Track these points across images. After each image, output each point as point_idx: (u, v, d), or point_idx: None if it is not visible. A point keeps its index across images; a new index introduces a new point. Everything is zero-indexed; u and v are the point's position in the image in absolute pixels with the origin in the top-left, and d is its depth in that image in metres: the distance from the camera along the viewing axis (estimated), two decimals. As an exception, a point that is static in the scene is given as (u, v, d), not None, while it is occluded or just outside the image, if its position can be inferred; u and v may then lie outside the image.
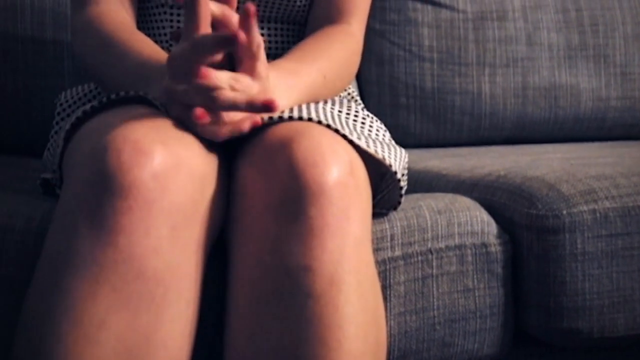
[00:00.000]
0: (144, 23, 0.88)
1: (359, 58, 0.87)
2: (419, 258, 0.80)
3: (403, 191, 0.78)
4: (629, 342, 0.88)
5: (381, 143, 0.75)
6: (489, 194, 0.91)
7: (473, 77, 1.30)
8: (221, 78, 0.64)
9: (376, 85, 1.31)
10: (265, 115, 0.69)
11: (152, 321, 0.61)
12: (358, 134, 0.73)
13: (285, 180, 0.64)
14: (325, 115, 0.71)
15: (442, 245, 0.81)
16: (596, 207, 0.85)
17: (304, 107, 0.73)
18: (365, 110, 0.84)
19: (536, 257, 0.84)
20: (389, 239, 0.79)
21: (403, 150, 0.79)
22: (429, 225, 0.81)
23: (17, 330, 0.62)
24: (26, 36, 1.14)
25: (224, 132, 0.66)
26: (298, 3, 0.86)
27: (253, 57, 0.66)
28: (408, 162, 1.06)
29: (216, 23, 0.68)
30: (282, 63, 0.74)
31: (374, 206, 0.76)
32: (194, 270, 0.64)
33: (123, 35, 0.77)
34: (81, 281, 0.59)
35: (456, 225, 0.82)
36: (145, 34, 0.86)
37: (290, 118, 0.70)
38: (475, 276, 0.82)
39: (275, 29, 0.87)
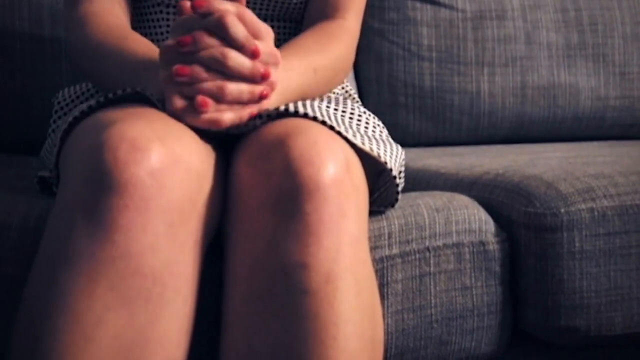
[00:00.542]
0: (140, 22, 0.88)
1: (354, 53, 0.87)
2: (417, 256, 0.80)
3: (400, 188, 0.78)
4: (626, 341, 0.88)
5: (377, 140, 0.75)
6: (487, 192, 0.91)
7: (472, 76, 1.30)
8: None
9: (375, 84, 1.31)
10: (263, 107, 0.69)
11: (149, 319, 0.60)
12: (354, 132, 0.73)
13: (281, 178, 0.64)
14: (321, 113, 0.71)
15: (439, 243, 0.81)
16: (594, 205, 0.85)
17: (299, 103, 0.72)
18: (361, 107, 0.84)
19: (534, 256, 0.84)
20: (386, 237, 0.79)
21: (400, 148, 0.79)
22: (426, 223, 0.81)
23: (14, 328, 0.62)
24: (24, 33, 1.14)
25: (226, 119, 0.66)
26: (295, 0, 0.86)
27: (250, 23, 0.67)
28: (406, 161, 1.06)
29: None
30: None
31: (372, 204, 0.76)
32: (191, 268, 0.64)
33: (117, 34, 0.77)
34: (78, 278, 0.59)
35: (454, 224, 0.82)
36: (142, 33, 0.86)
37: (287, 111, 0.69)
38: (472, 274, 0.82)
39: (272, 27, 0.87)
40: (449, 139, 1.32)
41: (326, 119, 0.70)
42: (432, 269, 0.80)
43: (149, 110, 0.68)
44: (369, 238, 0.76)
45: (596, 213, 0.85)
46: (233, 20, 0.66)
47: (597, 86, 1.34)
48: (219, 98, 0.66)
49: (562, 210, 0.84)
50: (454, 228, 0.82)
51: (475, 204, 0.86)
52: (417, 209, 0.82)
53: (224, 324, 0.66)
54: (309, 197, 0.64)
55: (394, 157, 0.75)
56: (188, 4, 0.67)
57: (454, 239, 0.82)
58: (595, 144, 1.28)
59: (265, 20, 0.87)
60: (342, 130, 0.70)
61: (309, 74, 0.76)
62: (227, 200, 0.69)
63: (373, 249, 0.78)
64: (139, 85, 0.71)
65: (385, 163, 0.73)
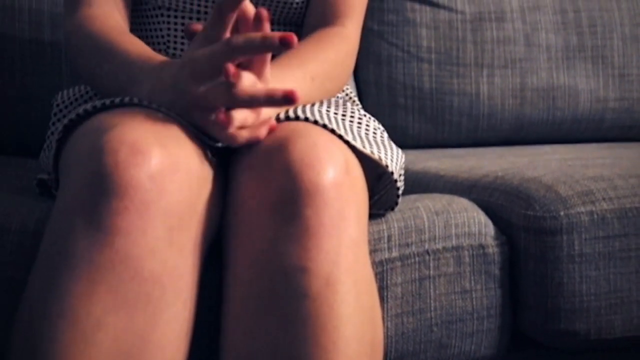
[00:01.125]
0: (140, 25, 0.88)
1: (353, 60, 0.86)
2: (416, 259, 0.80)
3: (400, 192, 0.78)
4: (626, 344, 0.88)
5: (377, 144, 0.75)
6: (487, 195, 0.91)
7: (471, 78, 1.30)
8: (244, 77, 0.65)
9: (374, 86, 1.31)
10: (282, 111, 0.69)
11: (149, 322, 0.60)
12: (354, 135, 0.73)
13: (281, 181, 0.64)
14: (322, 116, 0.71)
15: (439, 246, 0.81)
16: (594, 208, 0.85)
17: (299, 108, 0.72)
18: (361, 110, 0.84)
19: (533, 259, 0.84)
20: (386, 240, 0.79)
21: (400, 151, 0.79)
22: (426, 226, 0.81)
23: (13, 331, 0.62)
24: (23, 37, 1.14)
25: (242, 138, 0.66)
26: (295, 5, 0.86)
27: (264, 61, 0.67)
28: (406, 163, 1.06)
29: (240, 23, 0.67)
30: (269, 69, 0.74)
31: (371, 207, 0.76)
32: (191, 271, 0.64)
33: (113, 37, 0.77)
34: (78, 281, 0.59)
35: (453, 227, 0.82)
36: (141, 37, 0.86)
37: (287, 118, 0.69)
38: (472, 277, 0.82)
39: (273, 30, 0.87)
40: (449, 141, 1.32)
41: (326, 122, 0.70)
42: (431, 272, 0.80)
43: (148, 113, 0.68)
44: (369, 241, 0.76)
45: (596, 216, 0.85)
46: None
47: (596, 88, 1.34)
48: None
49: (562, 213, 0.84)
50: (453, 231, 0.82)
51: (475, 207, 0.86)
52: (417, 212, 0.82)
53: (224, 328, 0.66)
54: (309, 201, 0.64)
55: (394, 160, 0.75)
56: (199, 27, 0.67)
57: (454, 242, 0.82)
58: (594, 145, 1.28)
59: (265, 24, 0.87)
60: (342, 133, 0.70)
61: (306, 83, 0.76)
62: (227, 204, 0.69)
63: (373, 252, 0.78)
64: (131, 88, 0.71)
65: (386, 166, 0.73)
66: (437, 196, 0.87)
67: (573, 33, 1.34)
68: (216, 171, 0.69)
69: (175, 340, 0.62)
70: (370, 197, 0.75)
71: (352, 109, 0.80)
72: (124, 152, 0.61)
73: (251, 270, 0.65)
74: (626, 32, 1.36)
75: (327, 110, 0.76)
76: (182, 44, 0.87)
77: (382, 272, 0.78)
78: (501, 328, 0.84)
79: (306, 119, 0.70)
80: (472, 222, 0.83)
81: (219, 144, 0.68)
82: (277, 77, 0.72)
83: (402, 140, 1.29)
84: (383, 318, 0.76)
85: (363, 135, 0.76)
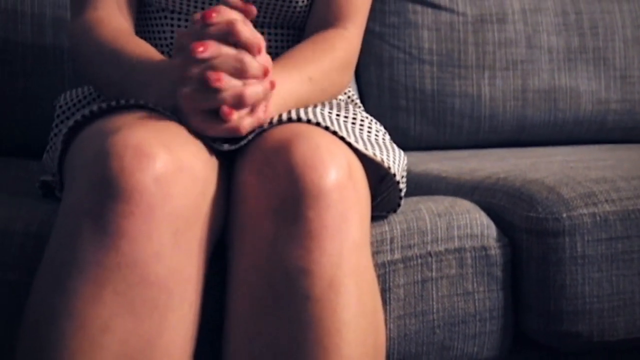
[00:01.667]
0: (144, 27, 0.88)
1: (354, 63, 0.86)
2: (419, 261, 0.80)
3: (402, 193, 0.78)
4: (629, 346, 0.88)
5: (379, 146, 0.75)
6: (489, 196, 0.91)
7: (473, 80, 1.30)
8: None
9: (376, 88, 1.31)
10: (267, 115, 0.69)
11: (155, 326, 0.61)
12: (356, 137, 0.73)
13: (283, 183, 0.64)
14: (324, 118, 0.71)
15: (441, 248, 0.81)
16: (596, 210, 0.85)
17: (301, 109, 0.73)
18: (364, 112, 0.84)
19: (536, 261, 0.84)
20: (388, 242, 0.79)
21: (402, 153, 0.79)
22: (428, 228, 0.81)
23: (19, 335, 0.62)
24: (26, 40, 1.14)
25: (246, 125, 0.66)
26: (298, 8, 0.86)
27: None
28: (408, 165, 1.06)
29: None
30: None
31: (374, 209, 0.76)
32: (196, 274, 0.64)
33: (119, 40, 0.78)
34: (84, 285, 0.59)
35: (456, 228, 0.82)
36: (146, 39, 0.86)
37: (290, 120, 0.70)
38: (474, 279, 0.82)
39: (276, 34, 0.87)
40: (450, 143, 1.32)
41: (328, 124, 0.70)
42: (434, 274, 0.80)
43: (152, 116, 0.68)
44: (371, 243, 0.76)
45: (598, 218, 0.85)
46: (242, 26, 0.66)
47: (597, 89, 1.34)
48: (240, 104, 0.66)
49: (564, 215, 0.84)
50: (455, 233, 0.82)
51: (477, 208, 0.86)
52: (419, 213, 0.82)
53: (227, 329, 0.66)
54: (312, 203, 0.64)
55: (396, 162, 0.75)
56: (199, 15, 0.68)
57: (456, 244, 0.82)
58: (596, 147, 1.28)
59: (269, 27, 0.87)
60: (345, 135, 0.70)
61: (305, 84, 0.76)
62: (231, 206, 0.69)
63: (375, 254, 0.78)
64: (137, 92, 0.71)
65: (389, 168, 0.73)
66: (439, 198, 0.87)
67: (575, 35, 1.34)
68: (220, 172, 0.69)
69: (182, 343, 0.63)
70: (373, 199, 0.75)
71: (354, 111, 0.80)
72: (129, 156, 0.61)
73: (254, 272, 0.65)
74: (628, 34, 1.36)
75: (330, 113, 0.76)
76: (185, 46, 0.87)
77: (384, 274, 0.78)
78: (503, 330, 0.84)
79: (308, 121, 0.70)
80: (475, 224, 0.83)
81: (225, 146, 0.68)
82: (274, 77, 0.73)
83: (403, 141, 1.29)
84: (385, 320, 0.76)
85: (365, 137, 0.76)
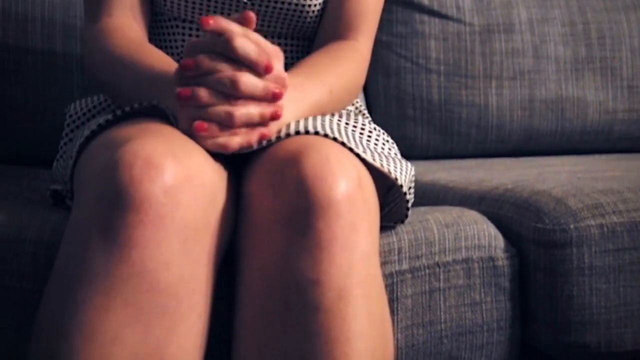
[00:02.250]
0: (157, 36, 0.89)
1: (365, 74, 0.87)
2: (427, 271, 0.80)
3: (410, 204, 0.79)
4: (636, 357, 0.88)
5: (387, 157, 0.76)
6: (496, 207, 0.91)
7: (480, 90, 1.31)
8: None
9: (383, 97, 1.31)
10: (274, 131, 0.69)
11: (165, 335, 0.61)
12: (364, 148, 0.73)
13: (293, 194, 0.65)
14: (332, 129, 0.72)
15: (449, 258, 0.81)
16: (603, 221, 0.85)
17: (310, 120, 0.73)
18: (372, 123, 0.84)
19: (543, 271, 0.84)
20: (396, 252, 0.79)
21: (409, 164, 0.80)
22: (436, 238, 0.81)
23: (30, 344, 0.63)
24: (36, 48, 1.15)
25: (234, 144, 0.67)
26: (309, 19, 0.86)
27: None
28: (415, 174, 1.06)
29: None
30: (289, 78, 0.75)
31: (382, 219, 0.76)
32: (205, 284, 0.65)
33: (135, 48, 0.78)
34: (94, 295, 0.60)
35: (463, 239, 0.82)
36: (158, 47, 0.87)
37: (297, 133, 0.70)
38: (482, 290, 0.82)
39: (286, 44, 0.88)
40: (457, 152, 1.32)
41: (337, 134, 0.71)
42: (441, 284, 0.80)
43: (162, 126, 0.68)
44: (379, 253, 0.76)
45: (605, 229, 0.85)
46: (242, 41, 0.66)
47: (605, 99, 1.34)
48: (228, 124, 0.66)
49: (572, 226, 0.84)
50: (463, 244, 0.82)
51: (485, 219, 0.86)
52: (427, 224, 0.82)
53: (236, 339, 0.66)
54: (322, 214, 0.64)
55: (403, 173, 0.76)
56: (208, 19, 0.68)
57: (464, 254, 0.82)
58: (603, 157, 1.28)
59: (279, 38, 0.88)
60: (353, 146, 0.71)
61: (325, 95, 0.77)
62: (240, 216, 0.69)
63: (383, 264, 0.78)
64: (155, 99, 0.72)
65: (396, 179, 0.73)
66: (447, 208, 0.87)
67: (582, 45, 1.35)
68: (229, 182, 0.70)
69: (190, 352, 0.63)
70: (381, 210, 0.75)
71: (362, 122, 0.81)
72: (139, 166, 0.62)
73: (263, 282, 0.65)
74: (635, 44, 1.37)
75: (338, 122, 0.76)
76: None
77: (392, 284, 0.79)
78: (511, 340, 0.84)
79: (316, 133, 0.70)
80: (482, 234, 0.84)
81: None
82: (298, 84, 0.73)
83: (410, 151, 1.29)
84: (393, 330, 0.76)
85: (372, 147, 0.76)
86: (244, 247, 0.68)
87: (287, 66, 0.88)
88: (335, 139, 0.70)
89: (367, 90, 1.33)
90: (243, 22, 0.68)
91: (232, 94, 0.66)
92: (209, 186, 0.66)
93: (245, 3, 0.84)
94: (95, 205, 0.62)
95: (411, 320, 0.79)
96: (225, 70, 0.66)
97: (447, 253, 0.81)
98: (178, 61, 0.87)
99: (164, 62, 0.76)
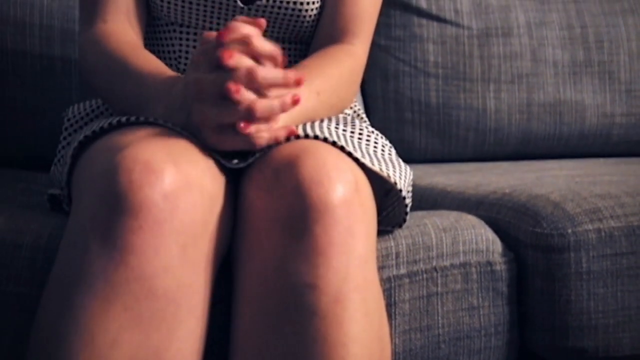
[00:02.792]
0: (153, 41, 0.89)
1: (360, 77, 0.87)
2: (424, 276, 0.80)
3: (408, 209, 0.79)
4: (634, 362, 0.88)
5: (385, 161, 0.76)
6: (494, 212, 0.91)
7: (478, 93, 1.31)
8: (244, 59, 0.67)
9: (381, 101, 1.32)
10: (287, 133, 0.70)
11: (164, 340, 0.61)
12: (362, 152, 0.73)
13: (291, 199, 0.65)
14: (330, 134, 0.72)
15: (447, 263, 0.81)
16: (601, 226, 0.85)
17: (308, 125, 0.73)
18: (370, 127, 0.84)
19: (541, 276, 0.84)
20: (394, 257, 0.79)
21: (408, 168, 0.80)
22: (434, 243, 0.81)
23: (28, 350, 0.63)
24: (35, 51, 1.15)
25: (261, 140, 0.67)
26: (306, 23, 0.86)
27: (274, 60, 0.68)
28: (413, 178, 1.06)
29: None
30: None
31: (379, 223, 0.76)
32: (204, 288, 0.65)
33: (128, 54, 0.78)
34: (93, 300, 0.60)
35: (461, 244, 0.82)
36: (154, 52, 0.87)
37: (297, 137, 0.70)
38: (480, 294, 0.82)
39: (283, 48, 0.88)
40: (455, 155, 1.32)
41: (335, 139, 0.71)
42: (439, 289, 0.80)
43: (161, 132, 0.68)
44: (377, 258, 0.76)
45: (603, 234, 0.85)
46: (259, 40, 0.67)
47: (603, 103, 1.34)
48: (250, 118, 0.66)
49: (569, 231, 0.85)
50: (461, 248, 0.82)
51: (483, 223, 0.86)
52: (425, 228, 0.82)
53: (234, 344, 0.66)
54: (319, 218, 0.64)
55: (402, 177, 0.76)
56: (212, 34, 0.68)
57: (461, 259, 0.82)
58: (601, 161, 1.28)
59: (276, 42, 0.87)
60: (351, 150, 0.71)
61: (313, 98, 0.76)
62: (237, 221, 0.69)
63: (381, 268, 0.78)
64: (146, 107, 0.72)
65: (395, 183, 0.73)
66: (444, 213, 0.87)
67: (580, 48, 1.35)
68: (227, 187, 0.70)
69: (189, 356, 0.63)
70: (378, 214, 0.75)
71: (360, 126, 0.81)
72: (138, 172, 0.62)
73: (260, 287, 0.65)
74: (633, 47, 1.37)
75: (336, 127, 0.76)
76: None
77: (390, 289, 0.79)
78: (509, 345, 0.84)
79: (315, 137, 0.70)
80: (480, 239, 0.84)
81: (234, 161, 0.69)
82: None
83: (408, 154, 1.29)
84: (391, 335, 0.76)
85: (371, 152, 0.76)
86: (242, 251, 0.68)
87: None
88: (334, 143, 0.70)
89: (366, 93, 1.33)
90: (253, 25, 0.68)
91: (255, 86, 0.66)
92: (207, 192, 0.66)
93: (242, 7, 0.84)
94: (93, 210, 0.62)
95: (409, 325, 0.79)
96: (249, 63, 0.66)
97: (444, 257, 0.81)
98: (174, 66, 0.87)
99: (158, 67, 0.76)
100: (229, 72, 0.66)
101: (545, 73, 1.33)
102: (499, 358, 0.83)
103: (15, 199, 0.91)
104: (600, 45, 1.35)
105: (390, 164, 0.75)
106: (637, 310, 0.85)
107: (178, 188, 0.63)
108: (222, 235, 0.68)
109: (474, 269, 0.82)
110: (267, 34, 0.86)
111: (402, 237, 0.80)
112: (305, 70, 0.79)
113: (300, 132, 0.71)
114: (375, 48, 1.30)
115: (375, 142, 0.79)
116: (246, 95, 0.66)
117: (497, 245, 0.84)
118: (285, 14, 0.85)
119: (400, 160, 0.80)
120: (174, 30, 0.87)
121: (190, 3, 0.83)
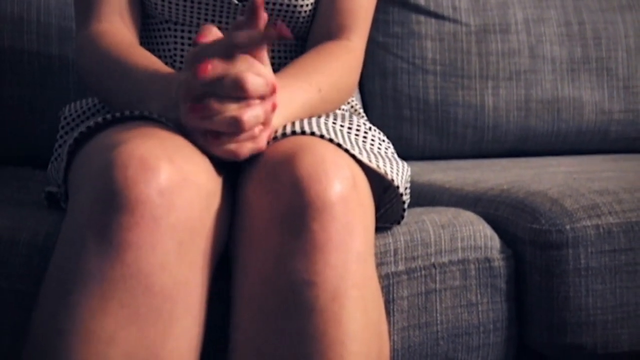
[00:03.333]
0: (148, 39, 0.89)
1: (358, 73, 0.87)
2: (422, 272, 0.80)
3: (406, 205, 0.78)
4: (633, 358, 0.88)
5: (383, 157, 0.76)
6: (492, 208, 0.91)
7: (476, 90, 1.31)
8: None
9: (380, 98, 1.31)
10: (271, 129, 0.69)
11: (160, 337, 0.61)
12: (360, 149, 0.73)
13: (288, 196, 0.65)
14: (328, 130, 0.72)
15: (445, 259, 0.81)
16: (599, 222, 0.85)
17: (305, 121, 0.73)
18: (367, 123, 0.84)
19: (539, 272, 0.84)
20: (392, 254, 0.79)
21: (406, 164, 0.79)
22: (432, 239, 0.81)
23: (25, 347, 0.63)
24: (32, 49, 1.15)
25: (245, 150, 0.67)
26: (301, 18, 0.86)
27: (262, 46, 0.67)
28: (411, 175, 1.06)
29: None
30: (276, 79, 0.75)
31: (377, 220, 0.76)
32: (200, 285, 0.65)
33: (123, 52, 0.78)
34: (90, 297, 0.60)
35: (459, 240, 0.82)
36: (150, 51, 0.87)
37: (294, 133, 0.70)
38: (478, 291, 0.82)
39: (279, 44, 0.88)
40: (453, 152, 1.32)
41: (332, 136, 0.71)
42: (437, 285, 0.80)
43: (157, 128, 0.68)
44: (375, 255, 0.76)
45: (601, 230, 0.85)
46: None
47: (601, 100, 1.34)
48: (238, 130, 0.65)
49: (568, 227, 0.84)
50: (459, 244, 0.82)
51: (481, 220, 0.86)
52: (423, 225, 0.82)
53: (232, 342, 0.66)
54: (316, 215, 0.64)
55: (400, 174, 0.76)
56: (212, 28, 0.68)
57: (460, 255, 0.82)
58: (599, 157, 1.28)
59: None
60: (349, 147, 0.71)
61: (313, 94, 0.76)
62: (235, 218, 0.69)
63: (379, 265, 0.78)
64: (142, 105, 0.72)
65: (392, 180, 0.73)
66: (442, 209, 0.87)
67: (577, 45, 1.35)
68: (224, 184, 0.69)
69: (186, 354, 0.63)
70: (377, 211, 0.75)
71: (357, 122, 0.81)
72: (134, 168, 0.61)
73: (258, 284, 0.65)
74: (630, 44, 1.37)
75: (333, 123, 0.76)
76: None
77: (388, 286, 0.79)
78: (507, 342, 0.84)
79: (312, 134, 0.70)
80: (478, 235, 0.84)
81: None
82: (285, 85, 0.73)
83: (407, 151, 1.29)
84: (389, 331, 0.76)
85: (368, 148, 0.76)
86: (239, 248, 0.68)
87: (281, 66, 0.88)
88: (331, 140, 0.70)
89: (364, 90, 1.33)
90: (253, 19, 0.66)
91: (242, 95, 0.65)
92: (204, 188, 0.65)
93: (237, 5, 0.84)
94: (90, 207, 0.62)
95: (407, 322, 0.79)
96: (233, 73, 0.65)
97: (443, 254, 0.81)
98: (169, 64, 0.87)
99: (153, 64, 0.76)
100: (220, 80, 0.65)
101: (543, 70, 1.33)
102: (498, 354, 0.83)
103: (12, 197, 0.91)
104: (598, 42, 1.35)
105: (387, 161, 0.75)
106: (635, 307, 0.85)
107: (174, 184, 0.63)
108: (219, 232, 0.67)
109: (472, 266, 0.82)
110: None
111: (400, 234, 0.80)
112: (307, 66, 0.79)
113: (298, 128, 0.70)
114: (373, 45, 1.30)
115: (372, 139, 0.79)
116: (229, 107, 0.64)
117: (495, 241, 0.84)
118: (279, 11, 0.85)
119: (397, 157, 0.80)
120: (169, 29, 0.87)
121: (185, 0, 0.83)
